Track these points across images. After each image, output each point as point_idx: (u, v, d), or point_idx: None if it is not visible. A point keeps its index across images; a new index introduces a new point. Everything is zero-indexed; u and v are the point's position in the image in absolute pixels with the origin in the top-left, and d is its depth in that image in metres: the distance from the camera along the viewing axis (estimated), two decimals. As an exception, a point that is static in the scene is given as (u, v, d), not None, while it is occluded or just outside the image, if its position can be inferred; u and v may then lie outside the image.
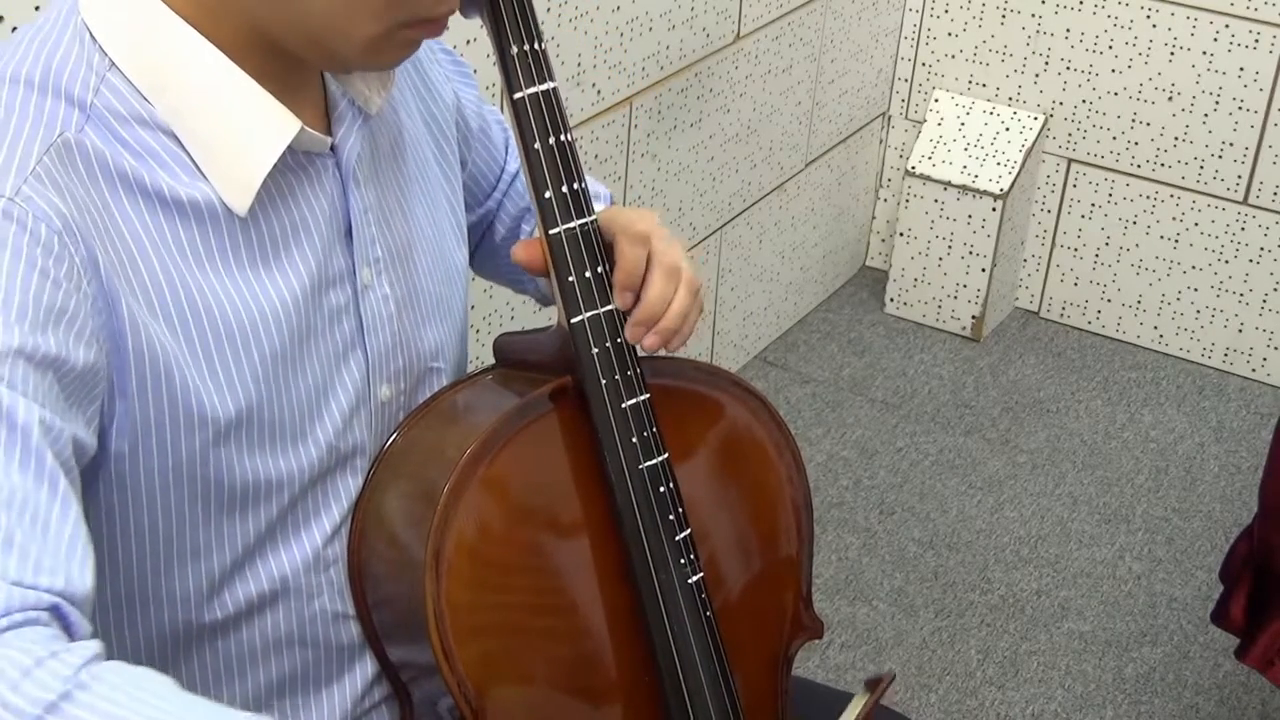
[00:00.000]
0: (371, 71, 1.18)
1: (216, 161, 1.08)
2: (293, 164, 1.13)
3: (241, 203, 1.08)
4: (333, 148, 1.16)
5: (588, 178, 1.46)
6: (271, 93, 1.09)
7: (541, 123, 1.19)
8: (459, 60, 1.40)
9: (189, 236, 1.07)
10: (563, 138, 1.19)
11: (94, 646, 0.88)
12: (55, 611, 0.90)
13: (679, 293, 1.23)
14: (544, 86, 1.19)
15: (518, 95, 1.18)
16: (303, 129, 1.10)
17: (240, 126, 1.08)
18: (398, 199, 1.24)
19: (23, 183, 0.99)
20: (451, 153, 1.34)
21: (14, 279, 0.96)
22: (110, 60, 1.06)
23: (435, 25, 1.11)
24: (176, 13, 1.06)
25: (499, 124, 1.48)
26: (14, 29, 1.61)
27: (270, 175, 1.09)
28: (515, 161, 1.48)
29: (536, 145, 1.19)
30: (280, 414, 1.13)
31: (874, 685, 1.34)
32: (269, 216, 1.11)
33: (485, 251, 1.52)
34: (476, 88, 1.42)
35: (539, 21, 1.19)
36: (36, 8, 1.64)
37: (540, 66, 1.18)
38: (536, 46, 1.18)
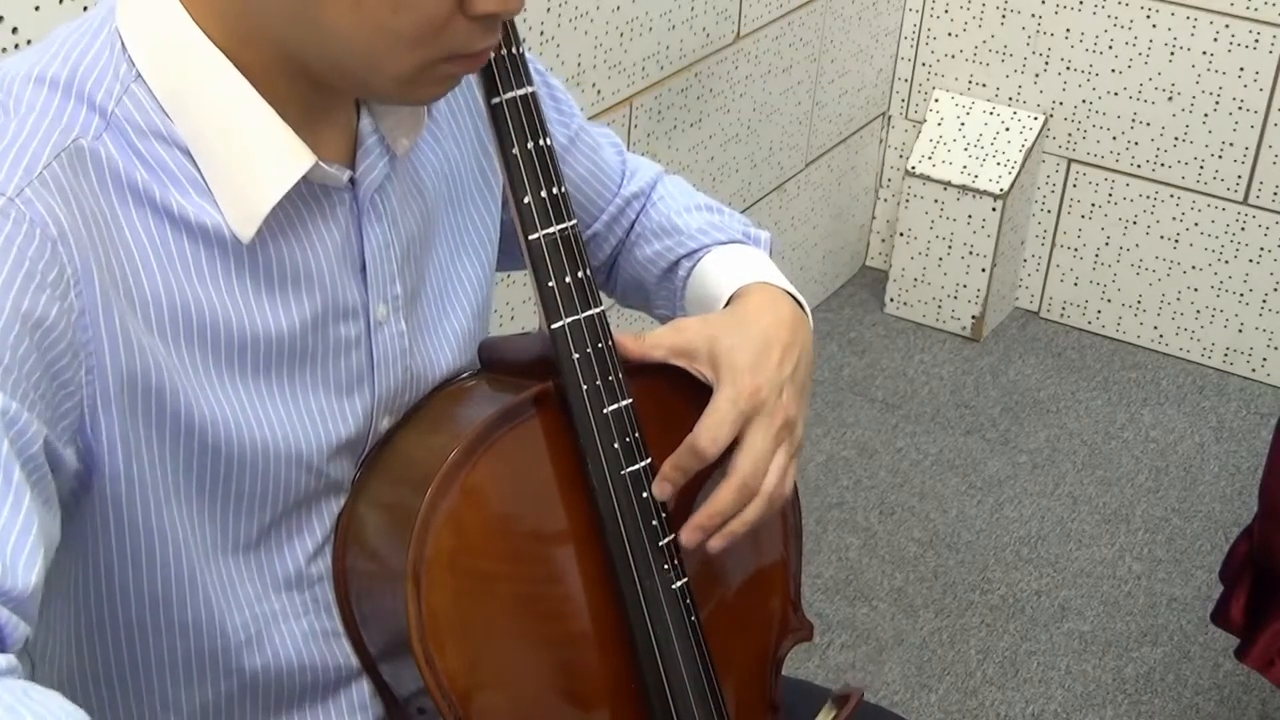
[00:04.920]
0: (406, 105, 1.16)
1: (226, 186, 1.07)
2: (306, 194, 1.12)
3: (246, 231, 1.08)
4: (353, 180, 1.15)
5: (739, 216, 1.46)
6: (294, 123, 1.08)
7: (520, 128, 1.18)
8: (549, 81, 1.37)
9: (194, 253, 1.07)
10: (541, 143, 1.19)
11: (2, 663, 0.85)
12: None
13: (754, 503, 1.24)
14: (522, 91, 1.18)
15: (495, 100, 1.18)
16: (316, 164, 1.09)
17: (253, 156, 1.07)
18: (424, 234, 1.23)
19: (26, 184, 0.98)
20: (495, 176, 1.32)
21: None
22: (137, 71, 1.05)
23: (473, 60, 1.09)
24: (207, 35, 1.05)
25: (613, 146, 1.44)
26: (14, 29, 1.62)
27: (279, 204, 1.09)
28: (634, 184, 1.45)
29: (515, 150, 1.18)
30: (273, 437, 1.13)
31: (842, 701, 1.33)
32: (276, 245, 1.11)
33: (627, 285, 1.49)
34: (570, 105, 1.38)
35: (517, 27, 1.18)
36: (36, 8, 1.64)
37: (519, 71, 1.18)
38: (515, 50, 1.18)
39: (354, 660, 1.23)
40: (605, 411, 1.20)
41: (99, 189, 1.03)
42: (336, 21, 1.02)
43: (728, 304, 1.35)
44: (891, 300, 3.66)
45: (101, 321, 1.01)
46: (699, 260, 1.41)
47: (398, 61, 1.05)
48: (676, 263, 1.43)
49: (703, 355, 1.25)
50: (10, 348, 0.95)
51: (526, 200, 1.19)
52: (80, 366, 1.01)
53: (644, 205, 1.45)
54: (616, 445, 1.20)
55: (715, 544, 1.23)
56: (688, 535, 1.23)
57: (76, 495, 1.05)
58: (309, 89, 1.08)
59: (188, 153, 1.06)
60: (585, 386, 1.19)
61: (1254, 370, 3.49)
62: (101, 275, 1.01)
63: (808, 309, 1.37)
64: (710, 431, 1.22)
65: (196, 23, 1.05)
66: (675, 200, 1.45)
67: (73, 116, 1.03)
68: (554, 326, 1.19)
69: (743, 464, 1.23)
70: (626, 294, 1.50)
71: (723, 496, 1.22)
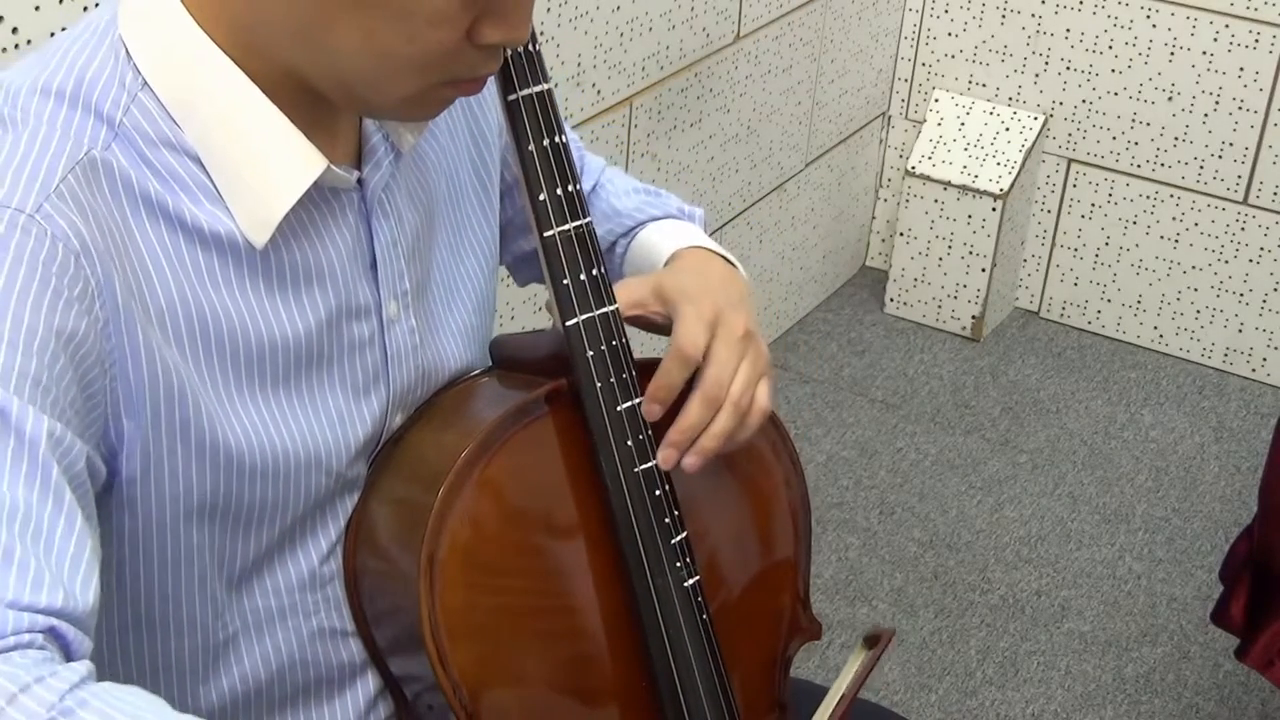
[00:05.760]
0: (406, 123, 1.17)
1: (238, 192, 1.07)
2: (316, 198, 1.12)
3: (259, 237, 1.08)
4: (360, 181, 1.15)
5: (674, 197, 1.47)
6: (303, 127, 1.08)
7: (536, 124, 1.18)
8: None
9: (207, 261, 1.07)
10: (558, 139, 1.19)
11: (82, 669, 0.87)
12: (51, 633, 0.89)
13: (721, 415, 1.23)
14: (539, 88, 1.18)
15: (512, 97, 1.18)
16: (328, 168, 1.09)
17: (265, 162, 1.07)
18: (428, 230, 1.24)
19: (45, 200, 0.98)
20: (488, 172, 1.33)
21: (27, 295, 0.95)
22: (143, 80, 1.05)
23: (475, 84, 1.10)
24: (215, 42, 1.05)
25: (573, 144, 1.45)
26: (14, 29, 1.62)
27: (291, 209, 1.09)
28: (589, 181, 1.47)
29: (531, 147, 1.18)
30: (294, 445, 1.13)
31: (873, 642, 1.33)
32: (289, 248, 1.11)
33: None
34: None
35: (534, 24, 1.18)
36: (36, 8, 1.64)
37: (535, 68, 1.18)
38: (532, 48, 1.18)
39: (360, 658, 1.24)
40: (619, 409, 1.20)
41: (112, 200, 1.03)
42: (344, 44, 1.02)
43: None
44: (891, 300, 3.66)
45: (124, 331, 1.01)
46: (635, 235, 1.43)
47: (402, 85, 1.05)
48: (614, 243, 1.45)
49: (650, 298, 1.27)
50: (47, 367, 0.95)
51: (541, 197, 1.19)
52: (106, 375, 1.01)
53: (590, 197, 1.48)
54: (629, 443, 1.21)
55: (690, 462, 1.22)
56: (662, 455, 1.22)
57: (100, 499, 1.05)
58: (313, 99, 1.09)
59: (198, 160, 1.06)
60: (599, 384, 1.20)
61: (1254, 370, 3.50)
62: (120, 286, 1.01)
63: (742, 271, 1.38)
64: (688, 336, 1.23)
65: (202, 28, 1.05)
66: (615, 186, 1.47)
67: (80, 128, 1.02)
68: (568, 323, 1.19)
69: (707, 374, 1.23)
70: None
71: (691, 410, 1.22)
